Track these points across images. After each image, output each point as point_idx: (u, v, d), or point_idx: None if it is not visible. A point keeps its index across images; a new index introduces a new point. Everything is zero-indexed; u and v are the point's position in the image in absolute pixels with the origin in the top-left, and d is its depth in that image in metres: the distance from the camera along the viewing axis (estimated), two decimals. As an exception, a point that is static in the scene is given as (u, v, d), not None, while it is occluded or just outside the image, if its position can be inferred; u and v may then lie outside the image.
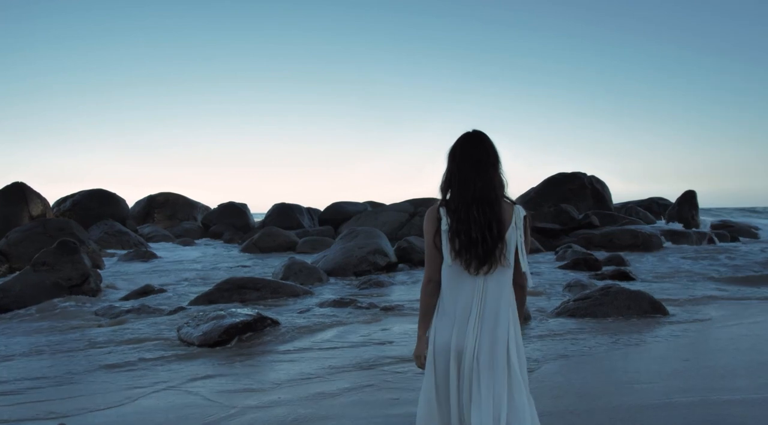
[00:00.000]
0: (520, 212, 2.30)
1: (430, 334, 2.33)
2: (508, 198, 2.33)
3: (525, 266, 2.29)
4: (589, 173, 28.53)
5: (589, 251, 16.02)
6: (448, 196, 2.32)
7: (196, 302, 9.36)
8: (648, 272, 13.49)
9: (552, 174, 28.39)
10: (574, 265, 14.09)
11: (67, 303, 10.14)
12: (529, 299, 8.68)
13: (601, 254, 15.99)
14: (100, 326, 8.20)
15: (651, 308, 7.73)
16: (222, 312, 7.10)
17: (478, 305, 2.23)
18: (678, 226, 22.51)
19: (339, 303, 8.70)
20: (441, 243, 2.27)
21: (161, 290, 10.87)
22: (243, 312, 7.08)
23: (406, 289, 10.71)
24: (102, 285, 11.80)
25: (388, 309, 8.30)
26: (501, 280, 2.25)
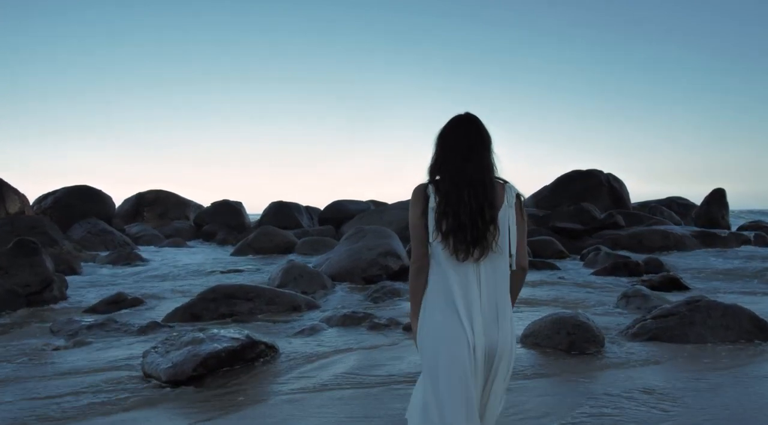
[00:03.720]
0: (512, 190, 2.20)
1: (422, 326, 2.17)
2: (499, 178, 2.21)
3: (513, 249, 2.17)
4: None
5: (625, 254, 14.28)
6: (437, 178, 2.19)
7: (173, 316, 7.62)
8: (697, 279, 11.79)
9: (566, 172, 26.76)
10: (613, 270, 12.37)
11: (21, 316, 8.44)
12: (586, 314, 7.01)
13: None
14: (56, 349, 6.47)
15: (754, 329, 6.02)
16: (200, 335, 5.36)
17: (476, 296, 2.10)
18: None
19: (351, 319, 6.97)
20: (427, 222, 2.13)
21: (136, 300, 9.11)
22: (228, 335, 5.35)
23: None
24: (68, 292, 10.06)
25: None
26: (497, 268, 2.14)
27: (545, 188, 26.25)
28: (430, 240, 2.14)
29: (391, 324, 6.77)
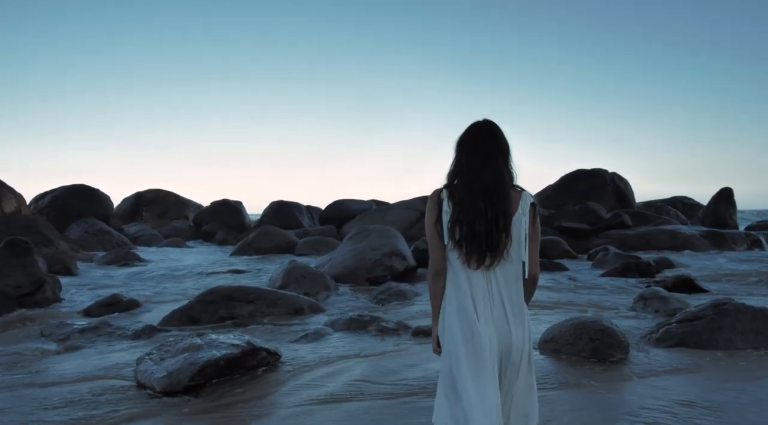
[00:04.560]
0: (528, 198, 2.20)
1: (440, 327, 2.23)
2: (517, 186, 2.22)
3: (524, 256, 2.17)
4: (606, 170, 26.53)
5: (635, 254, 13.92)
6: (454, 182, 2.22)
7: (170, 320, 7.26)
8: (713, 281, 11.42)
9: (570, 171, 26.42)
10: (624, 271, 11.99)
11: (12, 318, 8.08)
12: (605, 316, 6.65)
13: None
14: (45, 354, 6.15)
15: (786, 334, 5.65)
16: (198, 340, 5.01)
17: (486, 301, 2.13)
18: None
19: (357, 323, 6.61)
20: (441, 227, 2.17)
21: (132, 303, 8.75)
22: (227, 341, 4.99)
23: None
24: (62, 294, 9.71)
25: (422, 333, 6.22)
26: (508, 275, 2.16)
27: (549, 188, 25.87)
28: (446, 245, 2.17)
29: (400, 328, 6.41)
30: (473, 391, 2.05)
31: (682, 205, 27.46)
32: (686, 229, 18.92)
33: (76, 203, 23.14)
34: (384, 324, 6.50)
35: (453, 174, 2.24)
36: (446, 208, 2.17)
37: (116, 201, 27.33)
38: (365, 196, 29.49)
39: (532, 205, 2.21)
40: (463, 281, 2.14)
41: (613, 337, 5.17)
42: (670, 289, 9.94)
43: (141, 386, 4.60)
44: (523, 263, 2.18)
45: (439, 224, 2.18)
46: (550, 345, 5.42)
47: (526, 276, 2.20)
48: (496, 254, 2.12)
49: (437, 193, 2.22)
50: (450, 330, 2.15)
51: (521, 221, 2.16)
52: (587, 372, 4.74)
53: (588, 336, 5.19)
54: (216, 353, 4.69)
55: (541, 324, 6.56)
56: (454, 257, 2.16)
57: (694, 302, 8.21)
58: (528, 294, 2.25)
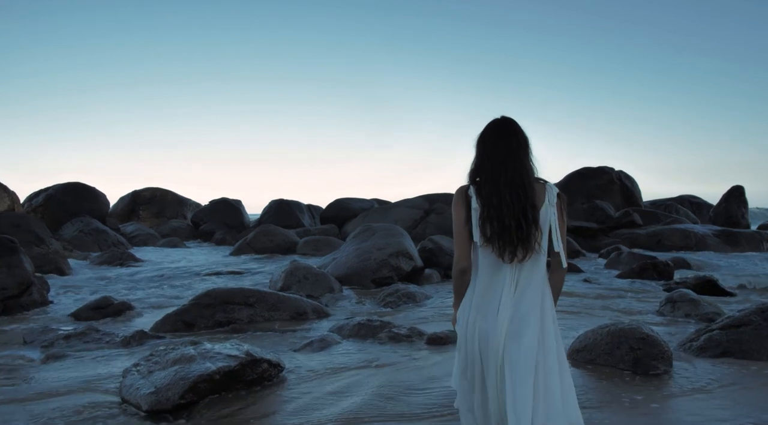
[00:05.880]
0: (553, 189, 2.21)
1: (459, 319, 2.25)
2: (539, 178, 2.23)
3: (558, 246, 2.17)
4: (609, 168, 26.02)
5: (651, 255, 13.38)
6: (477, 180, 2.23)
7: (163, 324, 6.71)
8: (734, 282, 10.88)
9: (576, 169, 25.92)
10: (641, 272, 11.44)
11: (-6, 322, 7.55)
12: (638, 319, 6.11)
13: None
14: (22, 362, 5.63)
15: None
16: (191, 350, 4.46)
17: (510, 294, 2.13)
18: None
19: (366, 329, 6.06)
20: (471, 225, 2.17)
21: (124, 306, 8.18)
22: (224, 351, 4.44)
23: (447, 304, 8.07)
24: (51, 296, 9.17)
25: (437, 341, 5.67)
26: (534, 267, 2.16)
27: (554, 186, 25.33)
28: (476, 242, 2.15)
29: (413, 335, 5.87)
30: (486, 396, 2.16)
31: (689, 204, 26.92)
32: (699, 228, 18.37)
33: (71, 202, 22.56)
34: (395, 330, 5.96)
35: (476, 172, 2.23)
36: (475, 205, 2.16)
37: (112, 200, 26.75)
38: (366, 196, 28.91)
39: (559, 195, 2.20)
40: (486, 277, 2.15)
41: (656, 346, 4.62)
42: (692, 291, 9.41)
43: (126, 402, 4.06)
44: (557, 253, 2.17)
45: (469, 220, 2.16)
46: (583, 354, 4.88)
47: (564, 265, 2.20)
48: (528, 246, 2.11)
49: (464, 190, 2.22)
50: (466, 329, 2.18)
51: (548, 213, 2.16)
52: (628, 387, 4.21)
53: (628, 344, 4.65)
54: (211, 365, 4.14)
55: (568, 330, 6.03)
56: (485, 254, 2.15)
57: (724, 306, 7.69)
58: (560, 286, 2.27)
